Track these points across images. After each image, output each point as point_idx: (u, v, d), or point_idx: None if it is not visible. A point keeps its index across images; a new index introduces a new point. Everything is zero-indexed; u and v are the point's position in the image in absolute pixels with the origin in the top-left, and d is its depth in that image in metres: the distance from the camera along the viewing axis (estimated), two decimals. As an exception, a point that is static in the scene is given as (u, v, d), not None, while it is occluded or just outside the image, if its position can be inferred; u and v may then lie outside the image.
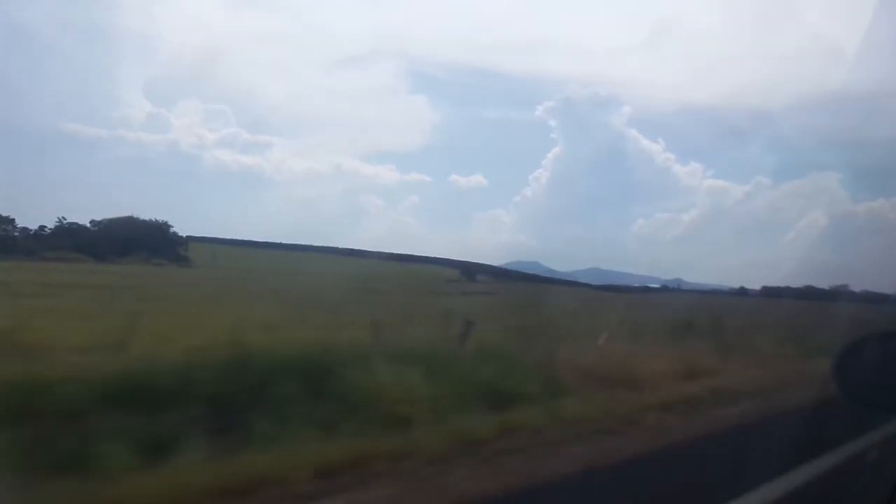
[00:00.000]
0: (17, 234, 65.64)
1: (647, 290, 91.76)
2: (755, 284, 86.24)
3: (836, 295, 73.90)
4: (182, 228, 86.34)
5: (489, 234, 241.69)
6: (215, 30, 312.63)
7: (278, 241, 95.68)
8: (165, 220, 69.13)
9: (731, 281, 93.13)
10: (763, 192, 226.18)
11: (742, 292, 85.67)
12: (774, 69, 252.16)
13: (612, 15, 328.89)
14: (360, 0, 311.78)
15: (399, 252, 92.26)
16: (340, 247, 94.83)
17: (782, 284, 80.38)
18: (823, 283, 79.16)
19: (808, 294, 72.25)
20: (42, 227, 70.17)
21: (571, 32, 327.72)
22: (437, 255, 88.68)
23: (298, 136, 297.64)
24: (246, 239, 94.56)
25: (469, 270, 67.97)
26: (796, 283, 77.71)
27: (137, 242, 59.22)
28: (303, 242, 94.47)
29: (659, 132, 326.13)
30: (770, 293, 78.22)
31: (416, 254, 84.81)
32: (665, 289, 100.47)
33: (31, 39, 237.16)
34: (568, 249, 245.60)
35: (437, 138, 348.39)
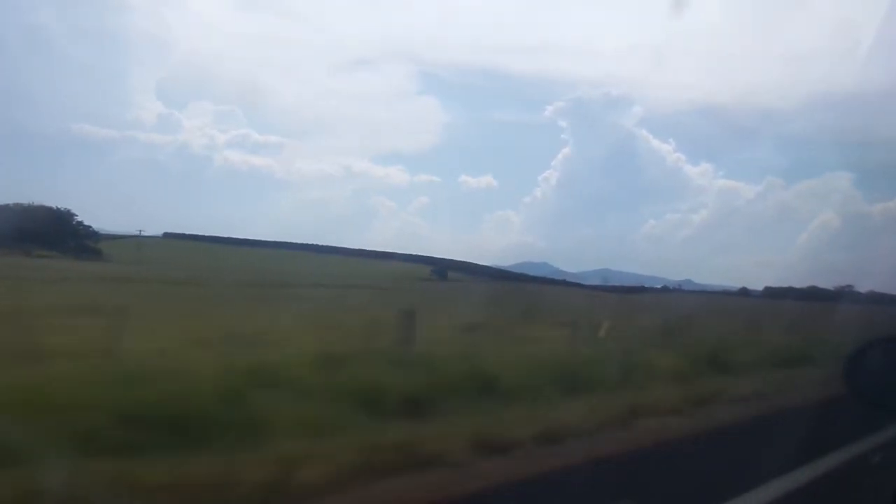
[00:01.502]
0: None
1: (643, 290, 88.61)
2: (765, 285, 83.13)
3: (840, 296, 70.58)
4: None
5: (499, 235, 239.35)
6: (226, 32, 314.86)
7: (288, 241, 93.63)
8: (68, 208, 65.37)
9: (743, 282, 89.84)
10: (775, 193, 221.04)
11: (744, 293, 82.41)
12: (786, 69, 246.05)
13: (622, 15, 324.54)
14: (370, 3, 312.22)
15: (396, 252, 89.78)
16: (340, 247, 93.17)
17: (789, 285, 77.52)
18: (830, 284, 75.93)
19: (811, 295, 68.99)
20: None
21: (582, 33, 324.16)
22: (427, 255, 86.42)
23: (309, 138, 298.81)
24: (254, 239, 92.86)
25: (442, 268, 65.62)
26: (807, 283, 74.70)
27: (26, 232, 56.05)
28: (313, 243, 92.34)
29: (670, 132, 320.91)
30: (772, 294, 74.98)
31: (396, 251, 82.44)
32: (665, 289, 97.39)
33: (45, 43, 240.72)
34: (577, 250, 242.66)
35: (446, 139, 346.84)
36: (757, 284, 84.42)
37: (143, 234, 75.21)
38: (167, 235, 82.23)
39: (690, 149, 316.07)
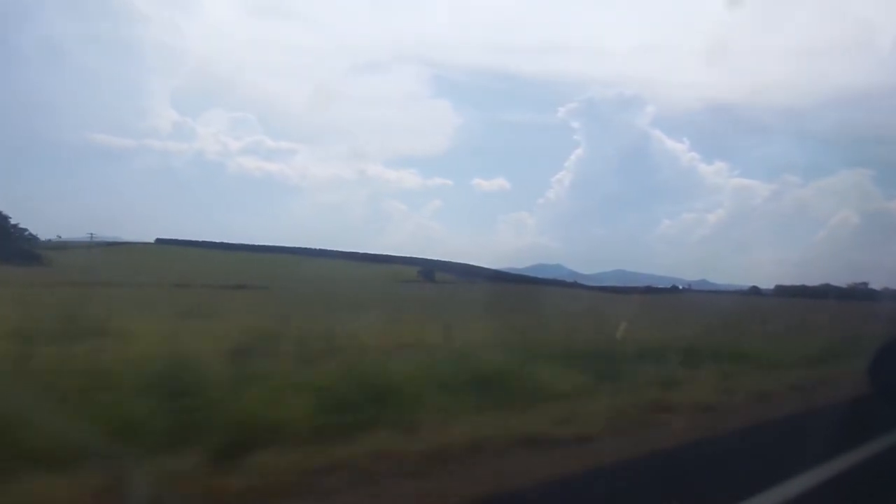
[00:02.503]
0: None
1: (652, 290, 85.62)
2: (776, 284, 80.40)
3: (853, 293, 67.46)
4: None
5: (513, 237, 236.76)
6: (239, 40, 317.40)
7: (291, 245, 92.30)
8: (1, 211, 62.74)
9: (760, 281, 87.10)
10: (791, 191, 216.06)
11: (755, 291, 79.44)
12: (802, 65, 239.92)
13: (634, 15, 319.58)
14: (382, 7, 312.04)
15: (398, 255, 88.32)
16: (345, 251, 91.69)
17: (802, 283, 74.74)
18: (842, 282, 73.07)
19: (822, 293, 65.89)
20: None
21: (593, 34, 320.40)
22: (434, 259, 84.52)
23: (322, 143, 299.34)
24: (252, 244, 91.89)
25: (430, 270, 63.70)
26: (825, 281, 72.03)
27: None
28: (328, 248, 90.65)
29: (683, 131, 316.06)
30: (784, 292, 72.24)
31: (392, 254, 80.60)
32: (674, 289, 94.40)
33: (62, 54, 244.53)
34: (592, 251, 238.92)
35: (459, 142, 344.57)
36: (773, 284, 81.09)
37: (94, 237, 74.46)
38: (159, 241, 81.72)
39: (705, 148, 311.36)
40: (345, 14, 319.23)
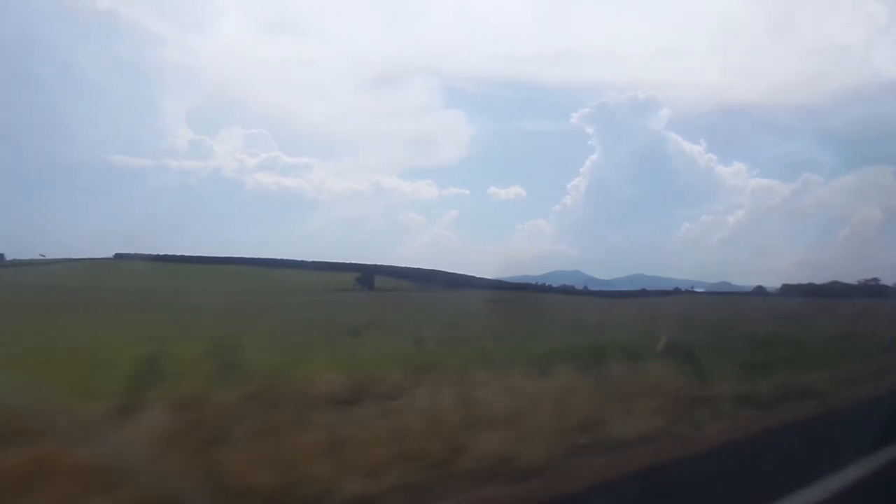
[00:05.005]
0: None
1: (645, 293, 79.22)
2: (783, 283, 73.44)
3: (863, 290, 60.90)
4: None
5: (530, 245, 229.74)
6: (253, 57, 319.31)
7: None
8: None
9: (780, 282, 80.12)
10: (812, 190, 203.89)
11: (759, 291, 72.13)
12: (819, 62, 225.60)
13: (646, 18, 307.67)
14: (392, 20, 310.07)
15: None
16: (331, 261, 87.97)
17: (809, 281, 68.51)
18: (853, 279, 67.50)
19: (828, 291, 59.49)
20: None
21: (606, 39, 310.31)
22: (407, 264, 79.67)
23: (337, 157, 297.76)
24: (213, 256, 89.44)
25: (369, 277, 58.13)
26: (853, 279, 66.01)
27: None
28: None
29: (700, 133, 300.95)
30: (790, 291, 65.50)
31: (343, 262, 75.35)
32: (677, 291, 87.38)
33: (80, 78, 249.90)
34: (610, 257, 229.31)
35: (474, 152, 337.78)
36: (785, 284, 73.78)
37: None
38: (118, 256, 79.20)
39: (722, 149, 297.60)
40: (356, 28, 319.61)
